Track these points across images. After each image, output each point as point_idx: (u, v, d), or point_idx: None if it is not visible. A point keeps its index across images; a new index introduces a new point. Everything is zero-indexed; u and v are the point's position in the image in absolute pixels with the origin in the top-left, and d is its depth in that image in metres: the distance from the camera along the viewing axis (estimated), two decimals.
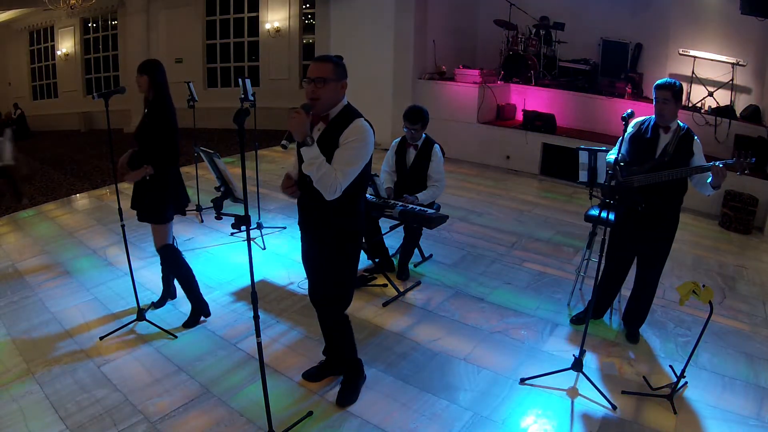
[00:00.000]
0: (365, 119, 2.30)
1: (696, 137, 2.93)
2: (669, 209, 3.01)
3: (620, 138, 2.98)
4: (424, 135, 3.91)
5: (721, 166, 2.69)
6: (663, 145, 2.94)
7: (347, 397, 2.65)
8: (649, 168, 2.90)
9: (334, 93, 2.26)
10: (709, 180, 2.78)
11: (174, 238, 3.41)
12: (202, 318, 3.40)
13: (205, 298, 3.44)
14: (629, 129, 3.10)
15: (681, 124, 2.96)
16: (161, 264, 3.39)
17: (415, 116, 3.78)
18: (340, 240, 2.38)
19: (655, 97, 2.91)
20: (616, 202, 3.00)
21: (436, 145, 3.93)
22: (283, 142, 2.16)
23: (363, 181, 2.36)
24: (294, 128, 2.13)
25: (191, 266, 3.37)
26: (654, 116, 2.98)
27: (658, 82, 2.91)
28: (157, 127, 3.04)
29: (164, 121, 3.05)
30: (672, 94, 2.84)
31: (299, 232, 2.56)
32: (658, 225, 3.02)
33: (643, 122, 3.06)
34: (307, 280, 2.68)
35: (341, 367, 2.80)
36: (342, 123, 2.25)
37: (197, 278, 3.39)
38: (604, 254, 2.83)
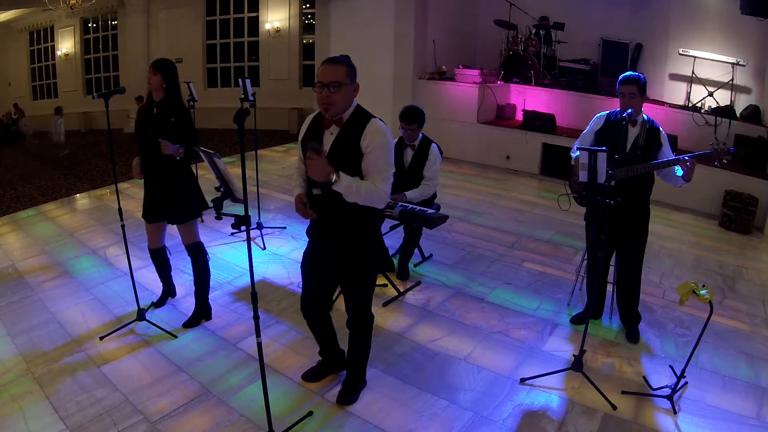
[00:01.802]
0: (379, 119, 2.26)
1: (661, 129, 3.00)
2: (640, 201, 3.07)
3: (582, 132, 3.08)
4: (421, 135, 3.91)
5: (688, 158, 2.76)
6: (633, 139, 2.99)
7: (348, 396, 2.65)
8: (622, 162, 2.92)
9: (348, 97, 2.19)
10: (680, 173, 2.85)
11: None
12: (203, 320, 3.40)
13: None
14: (590, 125, 3.18)
15: (646, 117, 3.01)
16: (192, 259, 3.36)
17: (411, 116, 3.78)
18: (362, 243, 2.36)
19: (620, 92, 2.94)
20: (588, 198, 3.03)
21: (434, 145, 3.92)
22: (315, 191, 2.24)
23: None
24: (315, 174, 2.14)
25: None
26: (618, 110, 3.02)
27: (622, 76, 2.95)
28: (180, 123, 3.06)
29: (185, 116, 3.08)
30: (637, 88, 2.89)
31: (299, 233, 2.55)
32: (631, 218, 3.06)
33: (608, 117, 3.10)
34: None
35: (341, 366, 2.81)
36: (357, 126, 2.20)
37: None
38: (587, 254, 2.83)
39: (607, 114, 3.12)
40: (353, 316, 2.53)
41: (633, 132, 2.99)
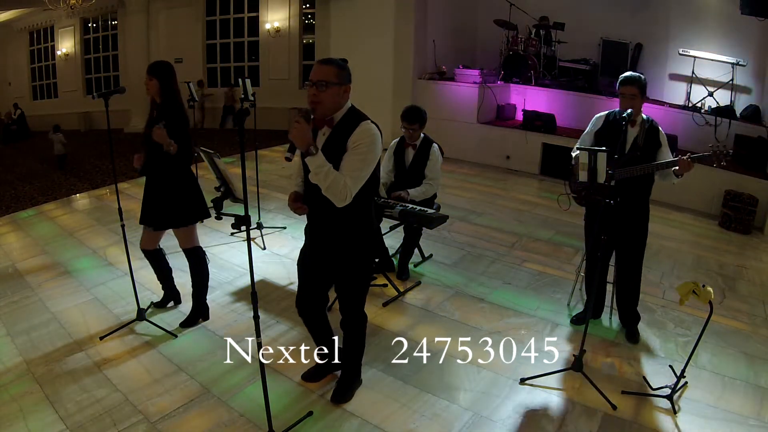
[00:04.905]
0: (372, 121, 2.25)
1: (660, 128, 2.99)
2: (639, 201, 3.07)
3: (583, 133, 3.07)
4: (422, 135, 3.91)
5: (687, 158, 2.75)
6: (632, 139, 2.98)
7: (342, 395, 2.65)
8: (623, 162, 2.92)
9: (336, 97, 2.20)
10: (674, 168, 2.84)
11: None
12: (201, 320, 3.40)
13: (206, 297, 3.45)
14: (590, 125, 3.17)
15: (645, 116, 3.00)
16: (189, 264, 3.35)
17: (413, 116, 3.78)
18: (356, 242, 2.35)
19: (621, 93, 2.93)
20: (587, 198, 3.03)
21: (435, 144, 3.93)
22: (287, 154, 2.12)
23: (373, 182, 2.33)
24: (296, 138, 2.08)
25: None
26: (618, 110, 3.01)
27: (623, 77, 2.93)
28: (170, 127, 3.00)
29: (179, 124, 3.03)
30: (638, 88, 2.88)
31: (299, 233, 2.54)
32: (630, 217, 3.06)
33: (607, 117, 3.09)
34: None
35: (340, 365, 2.81)
36: (348, 126, 2.21)
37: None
38: (586, 254, 2.83)
39: (606, 114, 3.11)
40: (346, 315, 2.54)
41: (632, 132, 2.99)
